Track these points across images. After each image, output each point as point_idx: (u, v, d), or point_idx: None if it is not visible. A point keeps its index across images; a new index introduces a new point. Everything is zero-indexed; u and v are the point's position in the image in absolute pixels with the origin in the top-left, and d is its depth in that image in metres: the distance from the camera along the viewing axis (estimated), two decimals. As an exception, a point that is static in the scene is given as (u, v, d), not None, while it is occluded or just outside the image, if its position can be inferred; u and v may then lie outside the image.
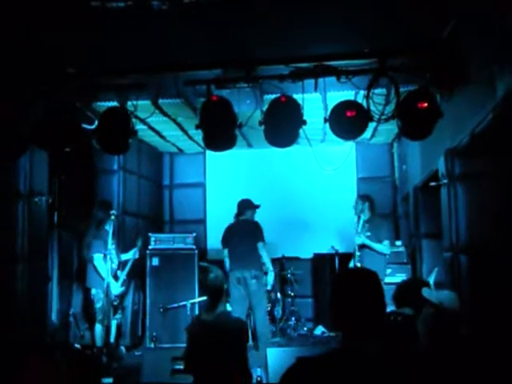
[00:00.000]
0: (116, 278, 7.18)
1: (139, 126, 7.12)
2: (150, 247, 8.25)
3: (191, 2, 4.24)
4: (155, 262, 8.18)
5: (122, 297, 7.37)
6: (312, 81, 5.15)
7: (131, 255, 7.49)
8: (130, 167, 8.80)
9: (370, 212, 7.39)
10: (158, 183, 10.30)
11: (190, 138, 9.02)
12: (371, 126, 6.55)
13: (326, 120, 4.89)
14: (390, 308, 4.20)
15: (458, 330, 3.48)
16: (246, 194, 9.80)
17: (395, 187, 9.71)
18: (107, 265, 6.86)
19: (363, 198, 7.56)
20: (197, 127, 4.91)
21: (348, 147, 8.22)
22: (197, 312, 8.02)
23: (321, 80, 5.16)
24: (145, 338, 8.08)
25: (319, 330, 8.96)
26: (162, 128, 8.44)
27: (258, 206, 7.87)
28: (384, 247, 7.09)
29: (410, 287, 4.38)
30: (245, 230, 7.63)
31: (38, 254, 6.25)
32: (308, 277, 9.72)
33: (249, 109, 5.53)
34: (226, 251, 7.70)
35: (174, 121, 7.98)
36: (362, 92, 5.46)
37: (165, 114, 7.47)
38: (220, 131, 4.91)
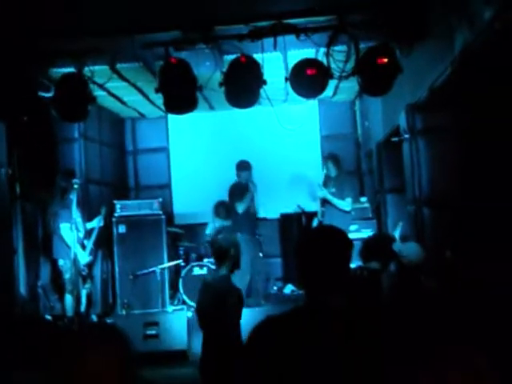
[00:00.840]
0: (83, 247, 7.13)
1: (98, 92, 6.98)
2: (115, 215, 8.17)
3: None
4: (122, 229, 8.11)
5: (90, 266, 7.33)
6: (271, 40, 5.10)
7: (96, 223, 7.43)
8: (91, 134, 8.65)
9: (337, 170, 7.48)
10: (120, 149, 10.17)
11: (151, 102, 8.87)
12: (333, 83, 6.54)
13: (286, 79, 4.87)
14: (357, 263, 4.29)
15: (421, 281, 3.56)
16: (209, 157, 9.79)
17: (358, 144, 9.78)
18: (73, 234, 6.79)
19: (325, 157, 7.69)
20: (156, 91, 4.84)
21: (310, 106, 8.22)
22: (166, 277, 8.05)
23: (280, 39, 5.11)
24: (116, 306, 8.08)
25: (289, 288, 9.09)
26: (121, 93, 8.28)
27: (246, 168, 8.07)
28: (345, 204, 7.19)
29: (376, 242, 4.48)
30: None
31: (1, 226, 6.15)
32: (276, 237, 9.80)
33: (208, 70, 5.46)
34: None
35: (134, 85, 7.82)
36: (322, 49, 5.44)
37: (124, 78, 7.31)
38: (180, 94, 4.84)
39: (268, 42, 5.20)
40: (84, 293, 7.17)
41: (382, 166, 7.97)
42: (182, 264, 8.44)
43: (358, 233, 7.71)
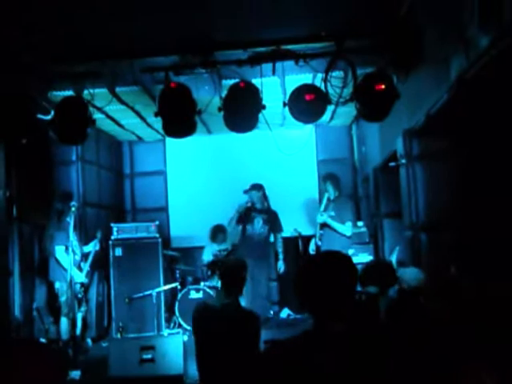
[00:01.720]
0: (80, 269, 7.10)
1: (97, 115, 7.01)
2: (112, 237, 8.16)
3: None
4: (118, 252, 8.10)
5: (86, 289, 7.29)
6: (270, 65, 5.15)
7: (92, 247, 7.41)
8: (89, 157, 8.67)
9: (336, 191, 7.47)
10: (118, 172, 10.19)
11: (149, 125, 8.93)
12: (330, 108, 6.58)
13: (285, 104, 4.91)
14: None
15: (420, 303, 3.54)
16: (206, 181, 9.81)
17: (355, 169, 9.81)
18: (70, 257, 6.77)
19: (324, 177, 7.69)
20: (156, 115, 4.86)
21: (307, 130, 8.27)
22: (162, 300, 8.00)
23: (279, 64, 5.17)
24: (111, 329, 8.02)
25: (285, 312, 9.06)
26: (120, 116, 8.33)
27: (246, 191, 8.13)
28: (346, 228, 7.18)
29: (374, 268, 4.48)
30: None
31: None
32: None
33: (207, 95, 5.50)
34: None
35: (132, 109, 7.87)
36: (320, 75, 5.49)
37: (122, 102, 7.36)
38: (179, 118, 4.87)
39: (266, 66, 5.26)
40: (80, 316, 7.12)
41: (378, 190, 8.00)
42: (179, 287, 8.41)
43: (355, 257, 7.69)
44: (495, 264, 3.51)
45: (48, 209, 7.30)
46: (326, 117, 8.38)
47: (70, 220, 6.80)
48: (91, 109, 5.61)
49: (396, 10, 5.14)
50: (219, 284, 8.26)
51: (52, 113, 5.53)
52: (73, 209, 6.81)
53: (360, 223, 8.67)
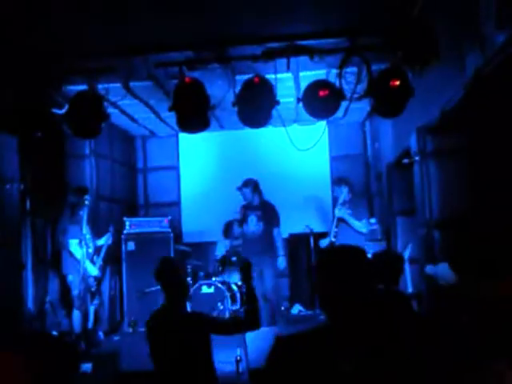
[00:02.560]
0: (93, 263, 7.14)
1: (110, 110, 7.04)
2: (125, 232, 8.20)
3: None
4: (131, 246, 8.14)
5: (99, 282, 7.32)
6: (284, 60, 5.14)
7: (104, 241, 7.45)
8: (102, 151, 8.70)
9: (350, 194, 7.42)
10: (131, 167, 10.22)
11: (162, 120, 8.94)
12: (343, 104, 6.55)
13: (299, 100, 4.90)
14: None
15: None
16: (219, 176, 9.81)
17: (368, 165, 9.77)
18: (83, 250, 6.81)
19: (339, 181, 7.56)
20: (170, 110, 4.87)
21: (320, 126, 8.24)
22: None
23: (293, 59, 5.15)
24: (123, 323, 8.07)
25: (296, 308, 9.06)
26: (133, 111, 8.35)
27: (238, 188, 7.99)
28: (362, 225, 7.16)
29: (384, 261, 4.39)
30: None
31: (11, 241, 6.16)
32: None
33: (220, 90, 5.50)
34: None
35: (146, 104, 7.89)
36: (334, 71, 5.47)
37: (136, 96, 7.38)
38: (193, 113, 4.87)
39: (280, 62, 5.24)
40: (92, 309, 7.16)
41: (391, 187, 7.96)
42: (190, 282, 8.42)
43: (368, 254, 7.66)
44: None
45: (61, 202, 7.33)
46: (339, 113, 8.32)
47: (83, 214, 6.84)
48: (105, 103, 5.63)
49: (411, 6, 5.10)
50: (231, 279, 8.32)
51: (66, 107, 5.56)
52: (86, 202, 6.84)
53: (373, 220, 8.63)
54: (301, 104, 4.93)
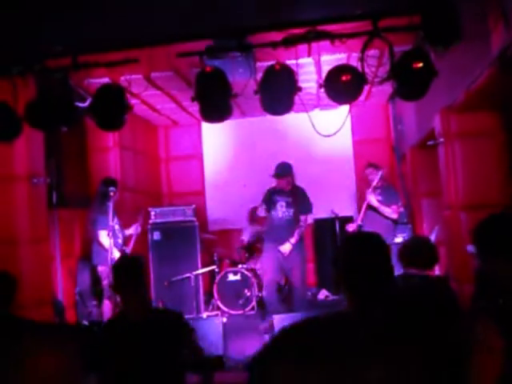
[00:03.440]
0: (123, 253, 7.20)
1: (132, 101, 7.09)
2: (150, 221, 8.27)
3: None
4: (157, 236, 8.21)
5: None
6: (305, 46, 5.11)
7: (133, 230, 7.52)
8: (126, 143, 8.77)
9: (381, 179, 7.37)
10: (154, 157, 10.28)
11: (184, 109, 8.98)
12: (365, 88, 6.52)
13: (321, 85, 4.86)
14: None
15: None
16: (242, 163, 9.83)
17: (392, 148, 9.70)
18: (112, 240, 6.89)
19: (371, 166, 7.48)
20: (192, 100, 4.87)
21: (342, 111, 8.18)
22: (201, 283, 8.09)
23: (314, 44, 5.12)
24: (151, 312, 8.14)
25: (322, 294, 9.07)
26: (155, 101, 8.40)
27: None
28: (392, 211, 7.12)
29: (415, 246, 4.36)
30: None
31: (40, 234, 6.26)
32: (309, 242, 9.77)
33: (241, 77, 5.48)
34: None
35: (167, 94, 7.93)
36: (355, 54, 5.42)
37: (157, 87, 7.42)
38: (216, 102, 4.87)
39: (301, 47, 5.21)
40: None
41: (416, 170, 7.91)
42: (216, 270, 8.48)
43: (394, 238, 7.63)
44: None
45: (86, 194, 7.40)
46: (361, 96, 8.30)
47: (110, 204, 6.90)
48: (127, 95, 5.65)
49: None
50: (257, 266, 8.34)
51: (89, 100, 5.59)
52: (111, 193, 6.90)
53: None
54: (322, 89, 4.89)
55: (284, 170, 7.33)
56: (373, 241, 2.23)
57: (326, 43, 4.98)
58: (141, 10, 5.00)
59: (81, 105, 5.72)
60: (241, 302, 8.13)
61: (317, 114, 8.50)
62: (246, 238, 9.01)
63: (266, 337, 6.08)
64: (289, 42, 4.67)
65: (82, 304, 7.47)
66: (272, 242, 7.21)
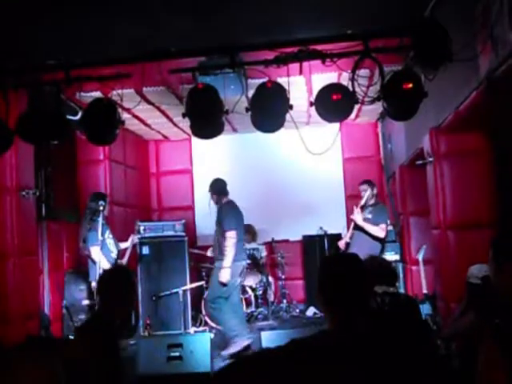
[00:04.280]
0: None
1: (123, 115, 7.10)
2: (139, 236, 8.24)
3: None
4: (145, 250, 8.18)
5: None
6: (296, 64, 5.15)
7: (130, 243, 7.48)
8: (116, 156, 8.78)
9: (374, 197, 7.43)
10: (144, 171, 10.28)
11: (175, 125, 9.00)
12: (355, 106, 6.58)
13: (311, 104, 4.90)
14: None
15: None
16: (232, 179, 9.82)
17: (381, 166, 9.77)
18: (108, 255, 6.89)
19: (372, 184, 7.55)
20: (183, 116, 4.89)
21: (332, 128, 8.24)
22: (189, 298, 8.04)
23: (305, 63, 5.16)
24: (138, 327, 8.10)
25: (311, 311, 9.07)
26: (146, 116, 8.42)
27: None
28: (379, 230, 7.13)
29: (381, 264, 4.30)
30: (241, 214, 7.26)
31: (28, 247, 6.23)
32: (298, 259, 9.79)
33: (233, 94, 5.52)
34: (234, 233, 6.85)
35: (158, 108, 7.95)
36: (345, 74, 5.47)
37: (149, 102, 7.44)
38: (208, 119, 4.89)
39: (293, 65, 5.25)
40: None
41: (405, 188, 7.96)
42: (204, 286, 8.46)
43: (382, 256, 7.66)
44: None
45: (75, 207, 7.38)
46: (352, 114, 8.36)
47: (100, 219, 6.87)
48: (119, 109, 5.67)
49: (422, 8, 5.11)
50: (245, 282, 8.32)
51: (80, 113, 5.61)
52: (101, 208, 6.88)
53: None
54: (313, 107, 4.93)
55: (209, 186, 7.39)
56: (352, 260, 2.31)
57: (317, 62, 5.04)
58: (135, 27, 5.05)
59: (72, 118, 5.73)
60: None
61: (307, 132, 8.52)
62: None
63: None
64: (280, 61, 4.72)
65: (68, 318, 7.41)
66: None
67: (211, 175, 10.03)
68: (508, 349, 2.23)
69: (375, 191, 7.48)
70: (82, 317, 7.41)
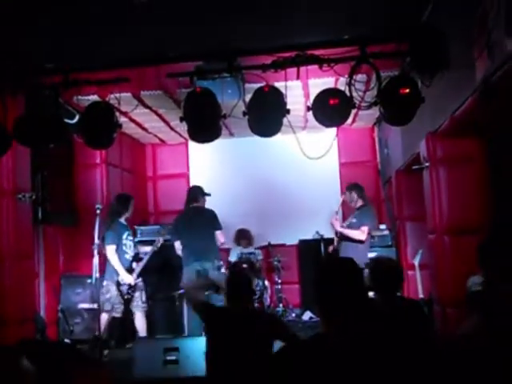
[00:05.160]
0: (131, 270, 7.08)
1: (120, 119, 7.10)
2: (136, 240, 8.22)
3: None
4: (142, 254, 8.15)
5: (133, 290, 7.08)
6: (294, 69, 5.17)
7: (153, 247, 7.45)
8: (113, 160, 8.78)
9: (361, 200, 7.41)
10: (141, 175, 10.28)
11: (172, 129, 9.01)
12: (352, 110, 6.60)
13: (309, 108, 4.91)
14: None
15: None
16: (229, 183, 9.84)
17: (377, 171, 9.78)
18: (123, 257, 6.93)
19: (348, 187, 7.58)
20: (181, 120, 4.90)
21: (329, 133, 8.26)
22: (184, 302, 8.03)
23: (302, 68, 5.18)
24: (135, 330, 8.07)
25: (307, 315, 9.06)
26: (143, 120, 8.43)
27: (209, 194, 7.68)
28: (359, 233, 7.07)
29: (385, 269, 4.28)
30: (200, 218, 7.30)
31: (24, 250, 6.22)
32: (294, 263, 9.79)
33: (230, 99, 5.53)
34: (178, 243, 7.33)
35: (156, 112, 7.96)
36: (343, 78, 5.49)
37: (146, 106, 7.45)
38: (205, 123, 4.90)
39: (290, 70, 5.27)
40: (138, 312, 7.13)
41: (401, 193, 7.98)
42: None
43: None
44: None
45: (72, 211, 7.36)
46: (348, 119, 8.38)
47: (121, 220, 7.01)
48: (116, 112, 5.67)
49: (419, 13, 5.14)
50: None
51: (77, 117, 5.62)
52: (98, 211, 6.87)
53: (382, 226, 8.65)
54: (310, 112, 4.95)
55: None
56: (347, 265, 2.33)
57: (314, 67, 5.06)
58: (133, 30, 5.07)
59: (69, 121, 5.74)
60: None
61: (304, 136, 8.55)
62: (232, 258, 9.00)
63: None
64: (278, 66, 4.74)
65: (64, 321, 7.40)
66: None
67: (208, 179, 10.10)
68: (505, 348, 2.25)
69: (359, 194, 7.42)
70: (78, 320, 7.41)
